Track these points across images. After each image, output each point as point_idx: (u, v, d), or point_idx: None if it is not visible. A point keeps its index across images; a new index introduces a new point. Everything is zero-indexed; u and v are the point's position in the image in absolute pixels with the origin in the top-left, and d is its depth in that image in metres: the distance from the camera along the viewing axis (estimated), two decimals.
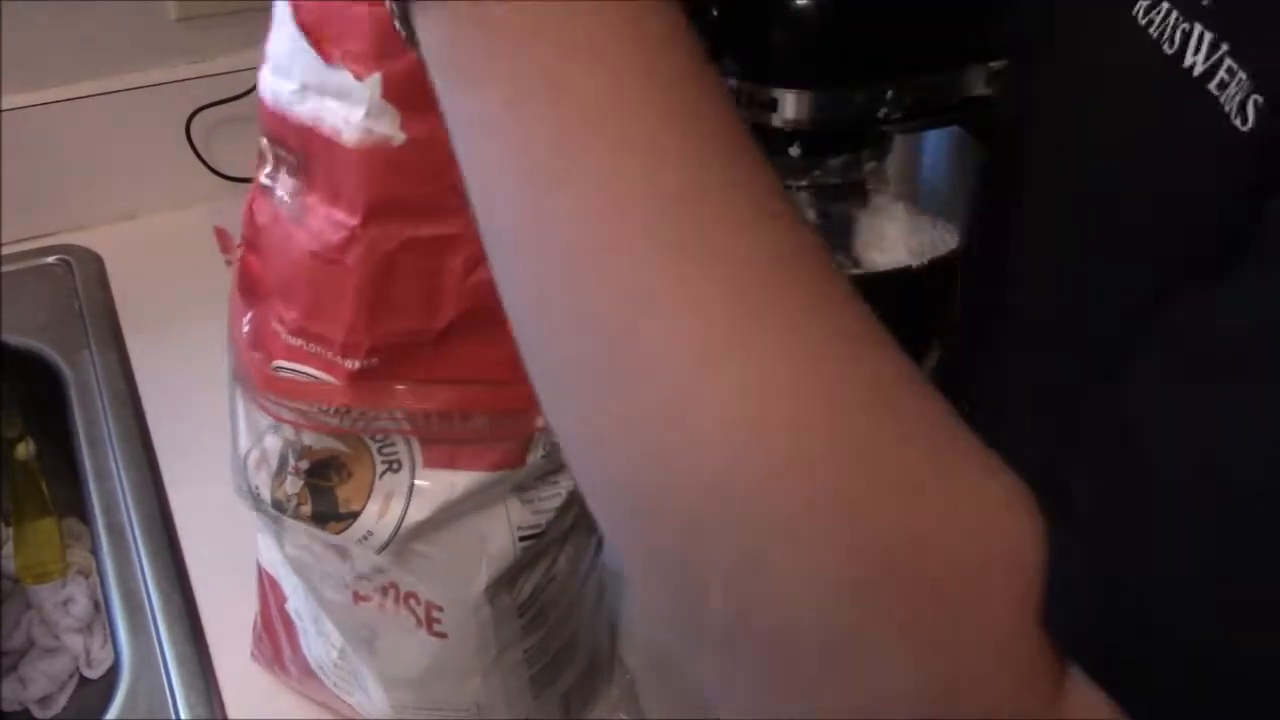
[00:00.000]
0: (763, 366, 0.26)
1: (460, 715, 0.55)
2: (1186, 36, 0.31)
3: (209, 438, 0.71)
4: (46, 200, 0.93)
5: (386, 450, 0.47)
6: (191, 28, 0.91)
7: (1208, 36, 0.30)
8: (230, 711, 0.62)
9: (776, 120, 0.56)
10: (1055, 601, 0.26)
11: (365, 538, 0.48)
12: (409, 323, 0.44)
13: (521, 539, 0.49)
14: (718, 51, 0.55)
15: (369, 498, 0.48)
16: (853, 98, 0.56)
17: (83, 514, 0.77)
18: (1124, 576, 0.25)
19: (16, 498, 0.84)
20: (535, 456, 0.48)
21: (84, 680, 0.78)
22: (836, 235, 0.64)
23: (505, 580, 0.50)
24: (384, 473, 0.47)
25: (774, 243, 0.28)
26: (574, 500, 0.51)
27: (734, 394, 0.26)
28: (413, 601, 0.51)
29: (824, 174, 0.59)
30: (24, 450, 0.86)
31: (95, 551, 0.71)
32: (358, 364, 0.45)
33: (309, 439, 0.47)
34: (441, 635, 0.51)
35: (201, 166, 0.93)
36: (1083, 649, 0.26)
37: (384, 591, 0.51)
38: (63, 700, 0.77)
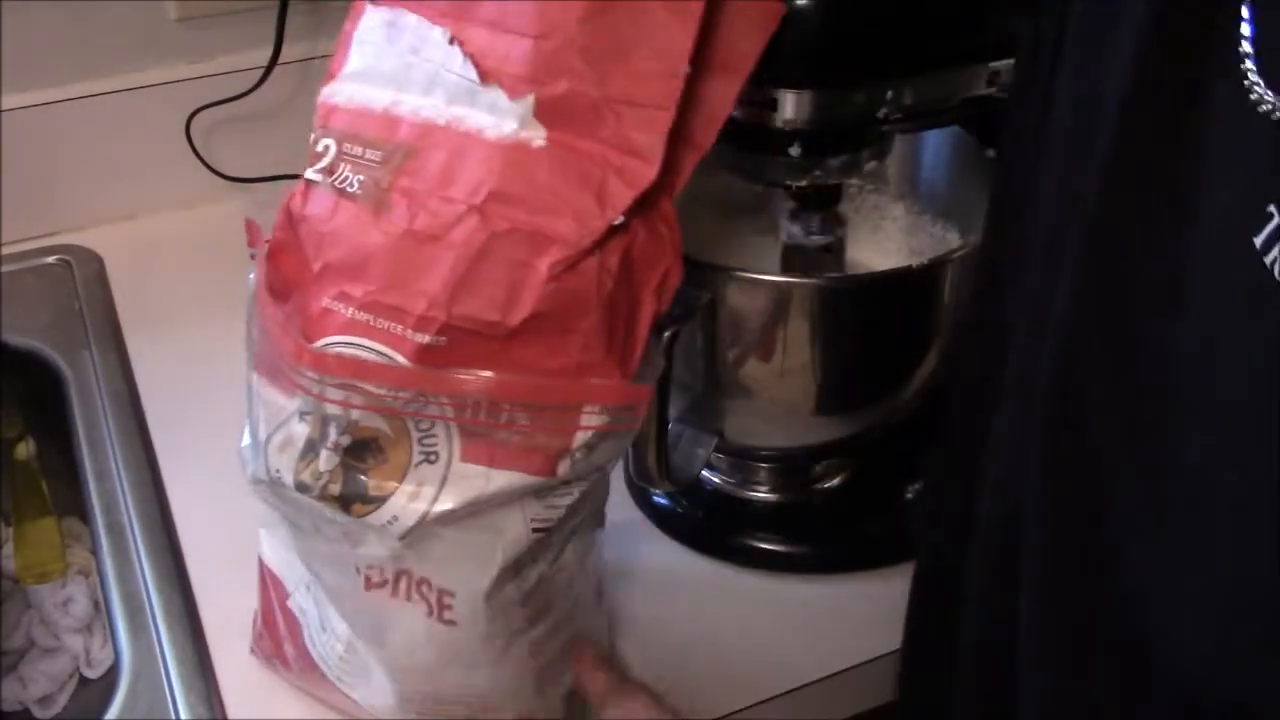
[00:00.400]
0: None
1: (467, 707, 0.56)
2: None
3: (209, 438, 0.71)
4: (46, 200, 0.93)
5: (427, 441, 0.49)
6: (191, 28, 0.91)
7: None
8: (230, 711, 0.62)
9: (776, 120, 0.56)
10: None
11: (390, 523, 0.49)
12: (486, 311, 0.47)
13: (535, 529, 0.51)
14: None
15: (401, 483, 0.49)
16: (853, 98, 0.56)
17: (83, 514, 0.77)
18: None
19: (16, 498, 0.84)
20: (564, 469, 0.49)
21: (84, 680, 0.78)
22: (836, 236, 0.64)
23: (514, 568, 0.51)
24: (420, 463, 0.49)
25: None
26: (586, 497, 0.52)
27: None
28: (424, 588, 0.52)
29: (824, 174, 0.59)
30: (24, 450, 0.86)
31: (95, 551, 0.71)
32: (428, 339, 0.47)
33: (356, 415, 0.49)
34: (451, 623, 0.52)
35: (201, 166, 0.93)
36: None
37: (396, 579, 0.52)
38: (63, 700, 0.77)
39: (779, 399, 0.63)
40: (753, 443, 0.69)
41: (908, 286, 0.61)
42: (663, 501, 0.72)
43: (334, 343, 0.49)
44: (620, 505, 0.73)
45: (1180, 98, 0.33)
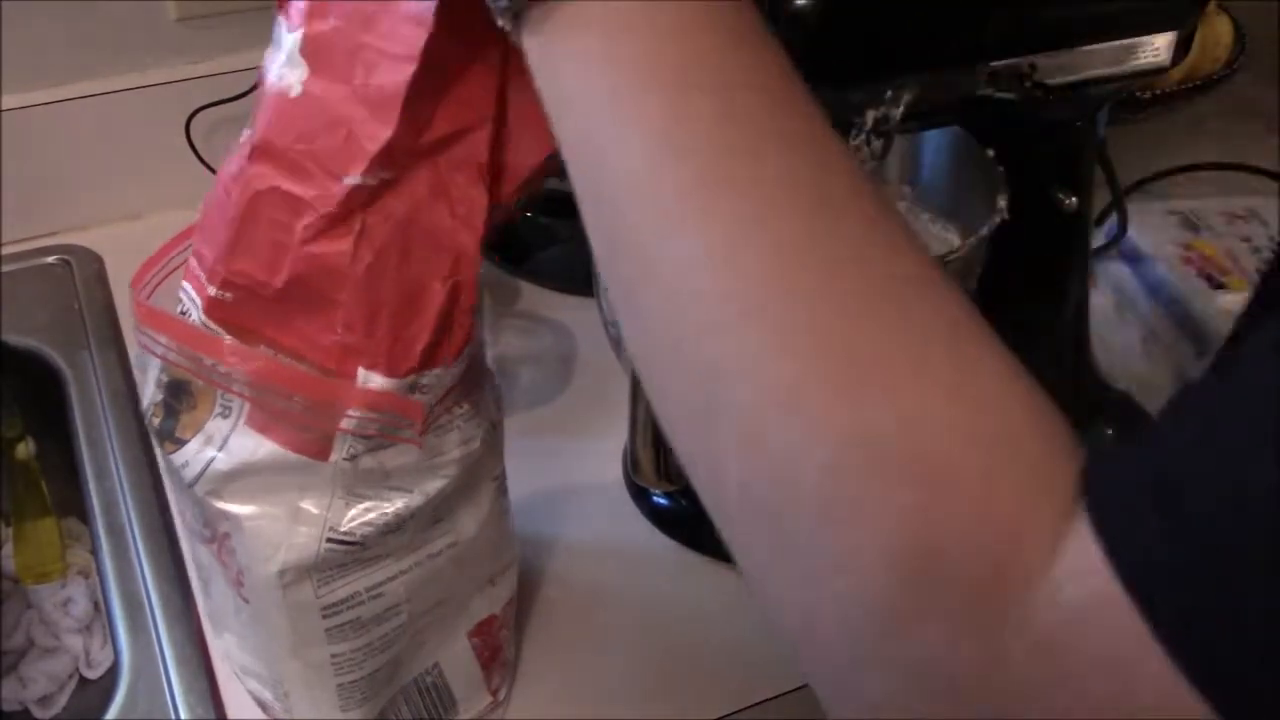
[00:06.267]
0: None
1: (271, 685, 0.56)
2: None
3: None
4: (46, 200, 0.93)
5: (227, 396, 0.49)
6: (191, 28, 0.91)
7: None
8: (230, 711, 0.62)
9: None
10: (1100, 494, 0.28)
11: (183, 466, 0.50)
12: (255, 270, 0.46)
13: (329, 540, 0.49)
14: None
15: (198, 432, 0.50)
16: (852, 98, 0.56)
17: (83, 514, 0.77)
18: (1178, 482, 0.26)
19: (16, 498, 0.84)
20: (339, 456, 0.48)
21: (84, 680, 0.78)
22: None
23: (306, 572, 0.50)
24: (217, 415, 0.49)
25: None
26: (408, 530, 0.51)
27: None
28: (232, 558, 0.52)
29: None
30: (24, 450, 0.86)
31: (95, 551, 0.71)
32: (214, 291, 0.47)
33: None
34: (245, 601, 0.53)
35: (202, 166, 0.93)
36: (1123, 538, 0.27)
37: (220, 539, 0.52)
38: (63, 700, 0.77)
39: None
40: None
41: None
42: (662, 501, 0.72)
43: (182, 287, 0.50)
44: (620, 505, 0.73)
45: None
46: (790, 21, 0.53)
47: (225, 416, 0.49)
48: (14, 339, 0.84)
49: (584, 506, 0.73)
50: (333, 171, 0.44)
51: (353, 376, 0.46)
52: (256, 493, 0.49)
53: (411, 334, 0.46)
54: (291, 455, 0.48)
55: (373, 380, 0.46)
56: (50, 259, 0.91)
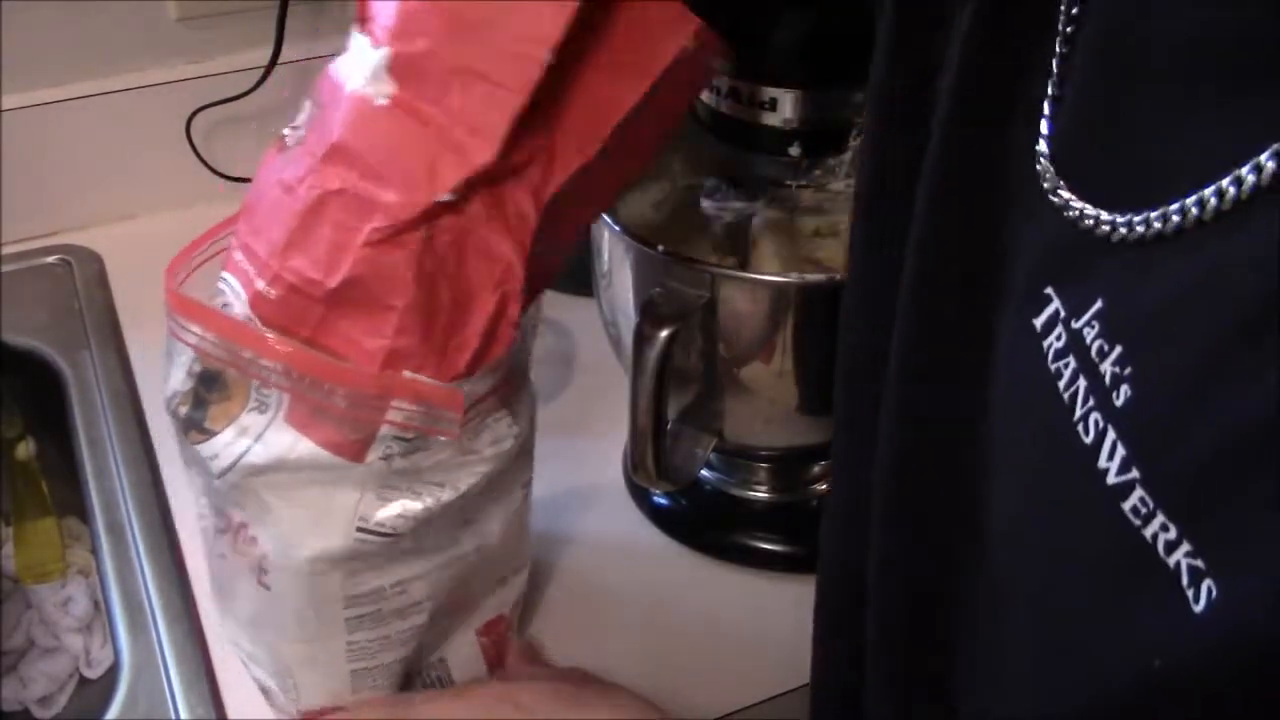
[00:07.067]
0: None
1: (277, 675, 0.56)
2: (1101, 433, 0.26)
3: None
4: (46, 200, 0.93)
5: (264, 391, 0.49)
6: (191, 28, 0.91)
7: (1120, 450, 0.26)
8: (230, 711, 0.62)
9: (776, 120, 0.56)
10: None
11: (212, 458, 0.50)
12: (310, 268, 0.47)
13: (360, 530, 0.50)
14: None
15: (230, 424, 0.50)
16: (852, 98, 0.56)
17: (83, 514, 0.77)
18: None
19: (16, 498, 0.84)
20: (375, 457, 0.48)
21: (84, 680, 0.78)
22: (835, 237, 0.64)
23: (336, 563, 0.50)
24: (252, 409, 0.49)
25: None
26: (438, 525, 0.51)
27: None
28: (252, 547, 0.52)
29: (824, 174, 0.59)
30: (24, 450, 0.86)
31: (95, 551, 0.71)
32: (262, 285, 0.48)
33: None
34: (266, 588, 0.53)
35: (201, 166, 0.93)
36: None
37: (235, 528, 0.52)
38: (63, 700, 0.77)
39: (778, 399, 0.63)
40: (752, 442, 0.69)
41: None
42: (662, 501, 0.72)
43: (223, 279, 0.51)
44: (620, 505, 0.73)
45: (982, 173, 0.32)
46: (790, 21, 0.53)
47: (262, 411, 0.49)
48: (14, 339, 0.84)
49: (584, 506, 0.73)
50: (417, 183, 0.45)
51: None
52: (287, 486, 0.49)
53: (461, 340, 0.47)
54: (326, 455, 0.48)
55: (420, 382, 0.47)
56: (50, 259, 0.91)
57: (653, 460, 0.59)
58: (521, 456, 0.55)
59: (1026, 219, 0.31)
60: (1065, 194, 0.29)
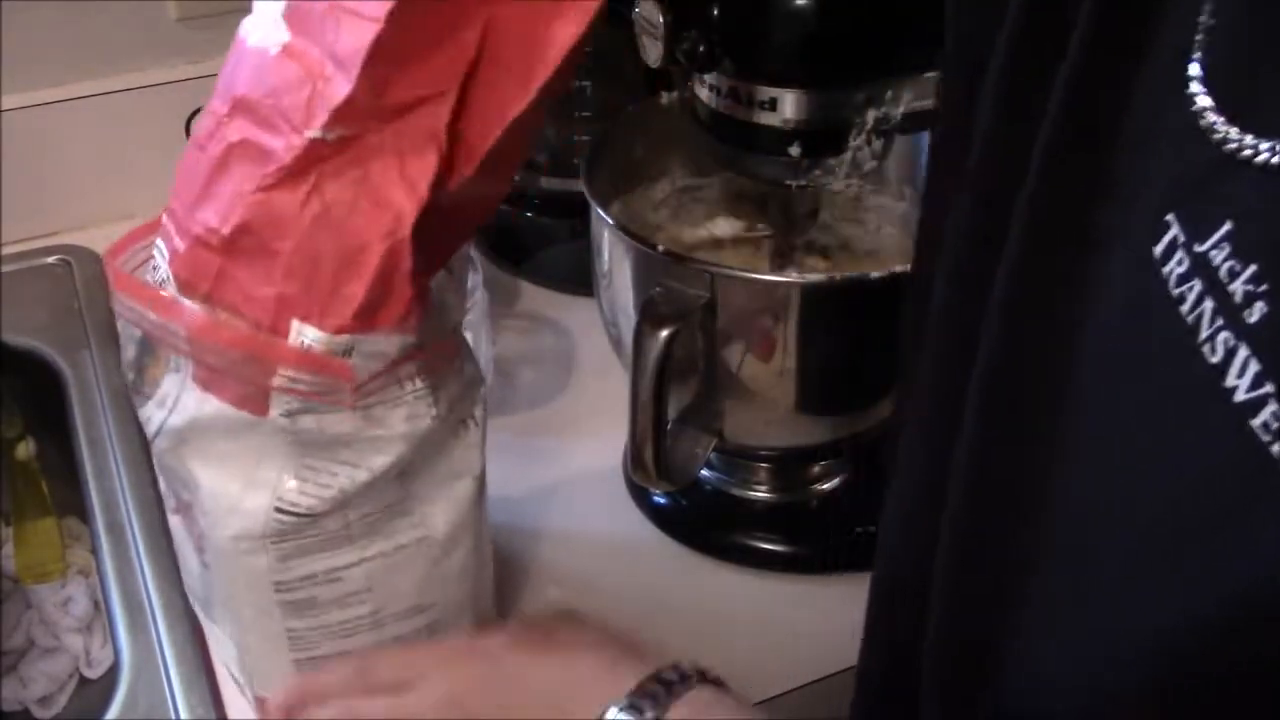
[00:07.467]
0: None
1: (236, 661, 0.57)
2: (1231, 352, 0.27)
3: None
4: (46, 200, 0.93)
5: (175, 355, 0.50)
6: (191, 28, 0.91)
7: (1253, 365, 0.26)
8: (230, 711, 0.62)
9: (776, 120, 0.56)
10: None
11: (147, 421, 0.52)
12: (212, 219, 0.47)
13: (278, 510, 0.50)
14: (718, 51, 0.55)
15: (158, 388, 0.51)
16: (852, 98, 0.56)
17: (83, 514, 0.77)
18: None
19: (16, 498, 0.84)
20: (277, 412, 0.48)
21: (84, 680, 0.78)
22: (835, 237, 0.65)
23: (258, 541, 0.51)
24: (171, 371, 0.51)
25: None
26: (358, 508, 0.51)
27: None
28: (194, 525, 0.53)
29: (824, 174, 0.59)
30: (24, 450, 0.86)
31: (95, 551, 0.71)
32: (179, 242, 0.49)
33: None
34: (206, 566, 0.54)
35: None
36: None
37: (184, 508, 0.54)
38: (63, 700, 0.77)
39: (778, 399, 0.63)
40: (752, 442, 0.69)
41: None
42: (662, 501, 0.72)
43: (155, 245, 0.52)
44: (620, 505, 0.73)
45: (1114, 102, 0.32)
46: (789, 21, 0.53)
47: (176, 372, 0.50)
48: (14, 339, 0.84)
49: (584, 506, 0.73)
50: (297, 125, 0.45)
51: (286, 333, 0.47)
52: (211, 458, 0.50)
53: (349, 290, 0.46)
54: (232, 411, 0.49)
55: (306, 333, 0.47)
56: (50, 259, 0.91)
57: (653, 460, 0.59)
58: (455, 442, 0.54)
59: (1153, 152, 0.31)
60: (1212, 116, 0.29)
